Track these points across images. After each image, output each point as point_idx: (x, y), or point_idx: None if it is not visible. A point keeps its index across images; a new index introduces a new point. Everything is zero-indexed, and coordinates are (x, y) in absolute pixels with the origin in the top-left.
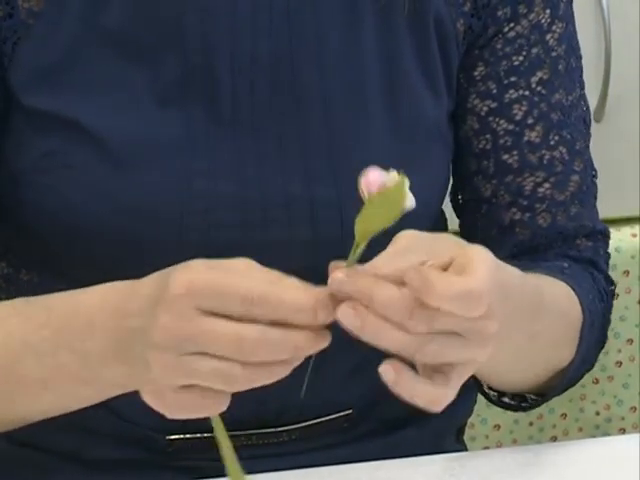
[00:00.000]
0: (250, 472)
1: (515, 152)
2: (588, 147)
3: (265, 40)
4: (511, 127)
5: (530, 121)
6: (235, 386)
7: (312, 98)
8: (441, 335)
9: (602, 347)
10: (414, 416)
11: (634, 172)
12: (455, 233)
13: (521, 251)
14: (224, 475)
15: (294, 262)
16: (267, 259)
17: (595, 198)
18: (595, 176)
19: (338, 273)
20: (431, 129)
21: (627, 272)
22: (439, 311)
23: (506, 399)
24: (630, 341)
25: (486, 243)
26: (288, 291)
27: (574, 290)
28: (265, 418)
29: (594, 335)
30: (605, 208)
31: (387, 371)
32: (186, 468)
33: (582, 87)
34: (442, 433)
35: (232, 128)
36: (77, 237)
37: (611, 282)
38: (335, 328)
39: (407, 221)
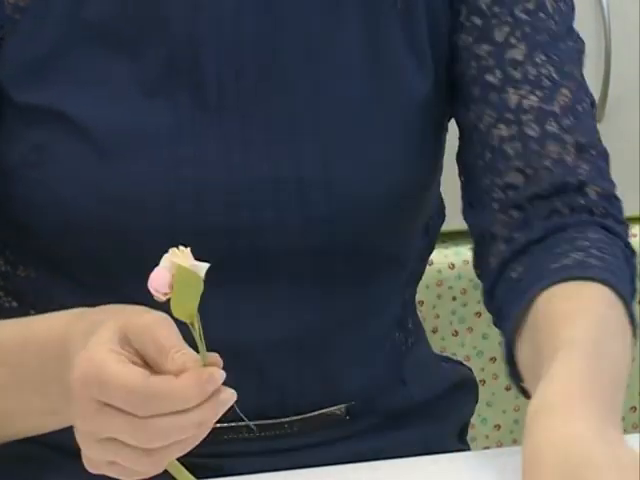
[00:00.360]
0: (249, 472)
1: (497, 70)
2: (583, 77)
3: (249, 26)
4: (493, 48)
5: (512, 41)
6: (150, 466)
7: (297, 82)
8: None
9: (634, 298)
10: (416, 413)
11: (634, 172)
12: (453, 233)
13: (525, 207)
14: (220, 472)
15: (284, 244)
16: (257, 242)
17: (594, 122)
18: (593, 104)
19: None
20: (419, 106)
21: None
22: None
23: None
24: None
25: (480, 173)
26: (169, 382)
27: (606, 283)
28: (265, 408)
29: (631, 301)
30: None
31: None
32: (183, 464)
33: (573, 31)
34: (444, 432)
35: (218, 114)
36: (68, 230)
37: (622, 213)
38: (337, 315)
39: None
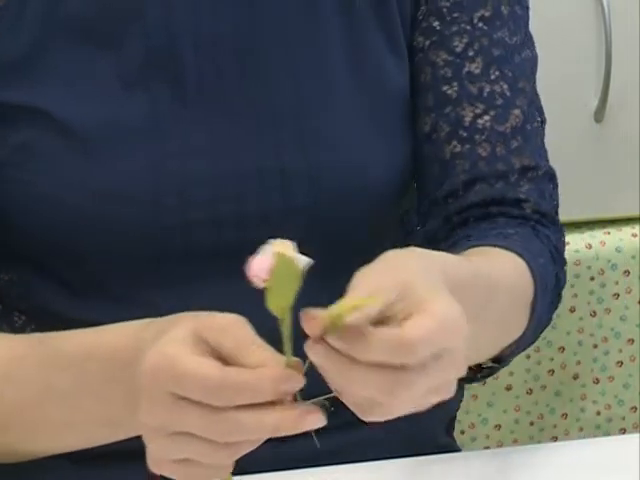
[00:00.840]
0: (245, 471)
1: (455, 83)
2: (534, 90)
3: (227, 17)
4: (451, 58)
5: (470, 53)
6: (223, 460)
7: (278, 72)
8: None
9: (556, 308)
10: None
11: (634, 172)
12: None
13: (464, 212)
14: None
15: (266, 234)
16: (243, 232)
17: (542, 141)
18: (543, 122)
19: (315, 346)
20: (397, 96)
21: (627, 272)
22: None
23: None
24: (631, 341)
25: (429, 185)
26: (246, 373)
27: (523, 257)
28: None
29: (547, 299)
30: (605, 208)
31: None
32: None
33: (528, 37)
34: (432, 426)
35: (200, 107)
36: (53, 228)
37: (561, 233)
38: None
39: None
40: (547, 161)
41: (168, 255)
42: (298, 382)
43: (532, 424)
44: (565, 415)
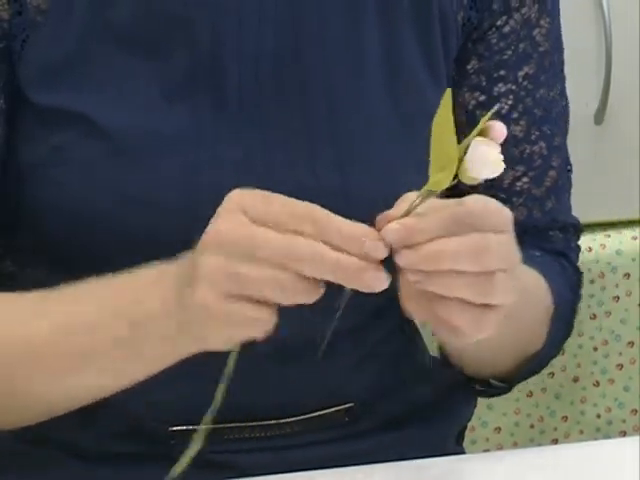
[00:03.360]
0: (250, 466)
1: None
2: (565, 142)
3: (270, 29)
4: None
5: (515, 115)
6: (283, 295)
7: (316, 86)
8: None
9: (568, 336)
10: (416, 415)
11: (635, 174)
12: None
13: None
14: (226, 466)
15: None
16: None
17: (569, 193)
18: (570, 171)
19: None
20: (432, 115)
21: (628, 275)
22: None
23: (477, 385)
24: (631, 344)
25: None
26: (337, 217)
27: (545, 278)
28: (266, 409)
29: (562, 324)
30: (606, 211)
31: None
32: (192, 460)
33: (563, 82)
34: (444, 435)
35: (238, 118)
36: (87, 231)
37: (580, 275)
38: (341, 323)
39: None
40: (571, 214)
41: None
42: (382, 251)
43: (532, 427)
44: (565, 418)
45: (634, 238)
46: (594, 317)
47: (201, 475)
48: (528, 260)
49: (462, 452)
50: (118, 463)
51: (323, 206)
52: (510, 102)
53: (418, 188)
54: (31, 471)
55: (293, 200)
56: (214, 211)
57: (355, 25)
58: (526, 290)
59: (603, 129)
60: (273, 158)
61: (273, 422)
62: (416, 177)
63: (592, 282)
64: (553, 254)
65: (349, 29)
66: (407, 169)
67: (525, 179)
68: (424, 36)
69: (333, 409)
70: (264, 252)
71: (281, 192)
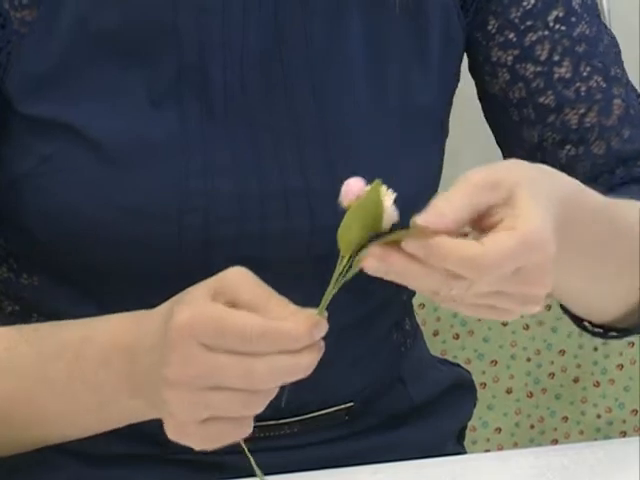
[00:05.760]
0: (250, 472)
1: (550, 92)
2: (625, 73)
3: (254, 35)
4: (539, 69)
5: (556, 58)
6: (253, 410)
7: (302, 90)
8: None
9: None
10: (416, 415)
11: None
12: None
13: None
14: (226, 469)
15: (292, 252)
16: (266, 251)
17: None
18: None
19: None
20: (422, 113)
21: None
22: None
23: (589, 326)
24: (631, 344)
25: None
26: (283, 322)
27: None
28: (268, 409)
29: None
30: None
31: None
32: (190, 462)
33: (600, 20)
34: (443, 434)
35: (226, 124)
36: (75, 238)
37: None
38: (340, 320)
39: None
40: None
41: (187, 272)
42: (325, 329)
43: (532, 427)
44: (565, 418)
45: None
46: None
47: (201, 475)
48: (626, 195)
49: (463, 452)
50: (118, 464)
51: (313, 208)
52: (547, 47)
53: (407, 187)
54: (31, 472)
55: (244, 322)
56: (203, 218)
57: (338, 25)
58: (614, 219)
59: None
60: (262, 162)
61: (273, 422)
62: (408, 175)
63: None
64: None
65: (334, 32)
66: (397, 168)
67: (591, 114)
68: (416, 27)
69: (333, 409)
70: (224, 381)
71: (271, 195)
